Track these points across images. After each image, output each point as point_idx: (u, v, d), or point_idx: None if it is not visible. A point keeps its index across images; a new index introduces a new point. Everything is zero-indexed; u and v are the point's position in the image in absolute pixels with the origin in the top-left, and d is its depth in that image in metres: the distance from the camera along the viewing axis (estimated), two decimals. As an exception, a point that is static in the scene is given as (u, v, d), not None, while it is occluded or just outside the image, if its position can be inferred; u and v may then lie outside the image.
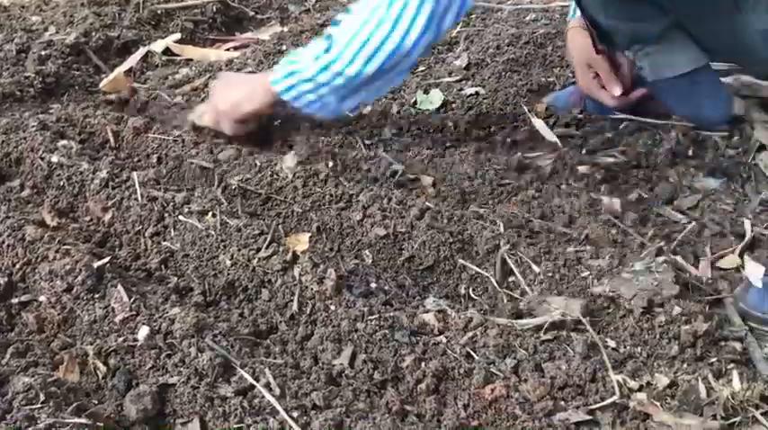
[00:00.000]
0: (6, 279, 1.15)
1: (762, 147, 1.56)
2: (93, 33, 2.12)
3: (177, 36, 2.26)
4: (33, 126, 1.54)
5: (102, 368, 1.01)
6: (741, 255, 1.23)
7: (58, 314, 1.09)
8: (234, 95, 1.46)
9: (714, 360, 1.00)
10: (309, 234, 1.20)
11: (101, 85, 1.95)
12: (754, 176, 1.47)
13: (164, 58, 2.16)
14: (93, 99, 1.88)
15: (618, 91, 1.52)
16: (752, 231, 1.30)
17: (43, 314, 1.10)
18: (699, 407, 0.92)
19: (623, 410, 0.93)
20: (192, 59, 2.15)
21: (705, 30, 1.41)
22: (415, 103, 1.61)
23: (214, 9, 2.39)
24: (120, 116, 1.63)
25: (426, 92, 1.63)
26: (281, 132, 1.54)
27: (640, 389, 0.95)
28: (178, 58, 2.17)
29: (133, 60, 2.11)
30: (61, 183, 1.39)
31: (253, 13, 2.52)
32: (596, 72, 1.52)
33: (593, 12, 1.45)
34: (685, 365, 0.99)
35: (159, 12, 2.33)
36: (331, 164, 1.45)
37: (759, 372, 0.98)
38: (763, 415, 0.91)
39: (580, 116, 1.55)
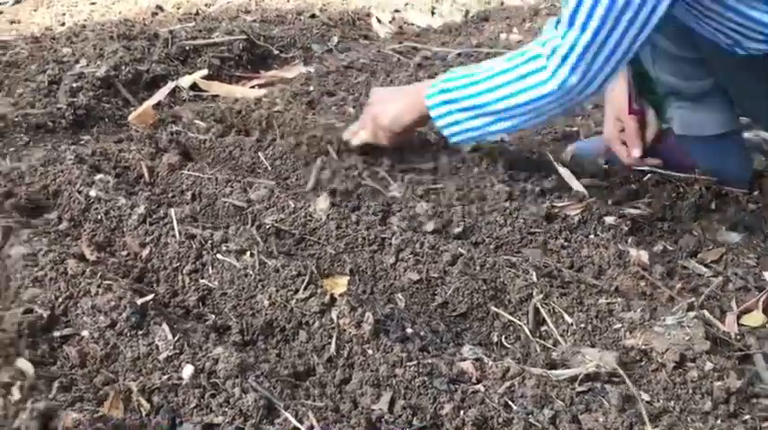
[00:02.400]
0: (49, 312, 1.17)
1: (782, 203, 1.60)
2: (123, 67, 2.16)
3: (204, 72, 2.32)
4: (70, 159, 1.57)
5: (146, 405, 1.03)
6: (765, 312, 1.25)
7: (101, 349, 1.11)
8: (392, 109, 1.52)
9: (747, 417, 1.02)
10: (348, 277, 1.23)
11: (129, 117, 1.99)
12: (776, 231, 1.51)
13: (191, 93, 2.21)
14: (123, 132, 1.92)
15: (637, 153, 1.58)
16: (774, 286, 1.33)
17: (86, 349, 1.12)
18: (735, 465, 0.94)
19: (659, 464, 0.95)
20: (218, 95, 2.20)
21: (746, 95, 1.45)
22: (446, 146, 1.65)
23: (240, 47, 2.45)
24: (153, 151, 1.67)
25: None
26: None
27: (675, 443, 0.97)
28: (205, 94, 2.22)
29: (161, 95, 2.15)
30: (99, 217, 1.42)
31: (277, 52, 2.58)
32: (623, 128, 1.57)
33: (644, 59, 1.52)
34: (719, 421, 1.01)
35: (187, 48, 2.39)
36: (360, 206, 1.49)
37: (793, 432, 1.00)
38: (798, 474, 0.93)
39: (605, 166, 1.59)
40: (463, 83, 1.41)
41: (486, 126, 1.42)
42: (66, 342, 1.15)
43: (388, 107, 1.54)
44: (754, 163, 1.61)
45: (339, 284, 1.21)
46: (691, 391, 1.05)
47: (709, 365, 1.07)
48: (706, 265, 1.40)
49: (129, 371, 1.08)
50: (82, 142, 1.85)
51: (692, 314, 1.15)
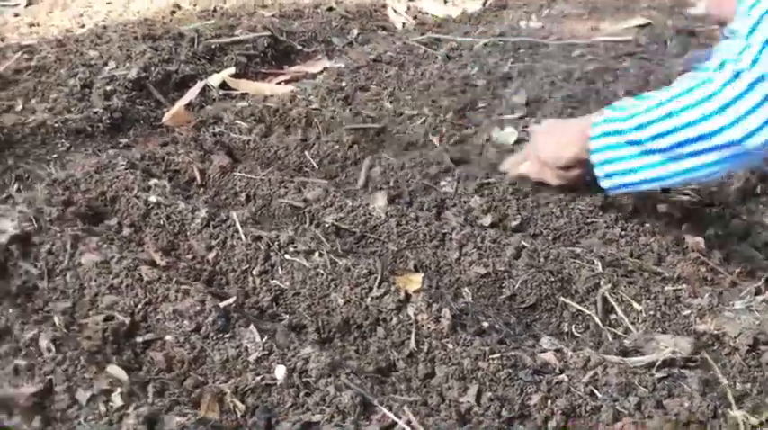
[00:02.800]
0: (129, 318, 1.20)
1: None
2: (153, 68, 2.18)
3: (232, 70, 2.33)
4: (122, 165, 1.58)
5: (241, 406, 1.06)
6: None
7: (188, 353, 1.13)
8: (554, 142, 1.37)
9: (825, 397, 1.06)
10: (422, 275, 1.25)
11: (164, 119, 2.01)
12: (820, 214, 1.55)
13: (221, 92, 2.22)
14: (159, 134, 1.94)
15: None
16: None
17: (171, 353, 1.15)
18: (820, 443, 0.98)
19: (748, 445, 0.99)
20: (247, 93, 2.21)
21: None
22: (489, 139, 1.67)
23: (265, 43, 2.47)
24: (201, 154, 1.69)
25: (501, 128, 1.70)
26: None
27: (761, 425, 1.01)
28: (234, 92, 2.23)
29: (192, 94, 2.17)
30: (161, 223, 1.44)
31: (300, 47, 2.60)
32: None
33: None
34: (798, 402, 1.05)
35: (213, 46, 2.40)
36: (412, 202, 1.52)
37: None
38: None
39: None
40: (632, 112, 1.21)
41: (649, 168, 1.22)
42: (149, 347, 1.17)
43: (551, 140, 1.38)
44: None
45: (413, 281, 1.23)
46: (766, 373, 1.09)
47: (781, 348, 1.10)
48: (756, 249, 1.43)
49: (219, 373, 1.11)
50: (121, 145, 1.87)
51: (760, 298, 1.18)
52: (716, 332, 1.15)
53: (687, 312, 1.19)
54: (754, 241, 1.45)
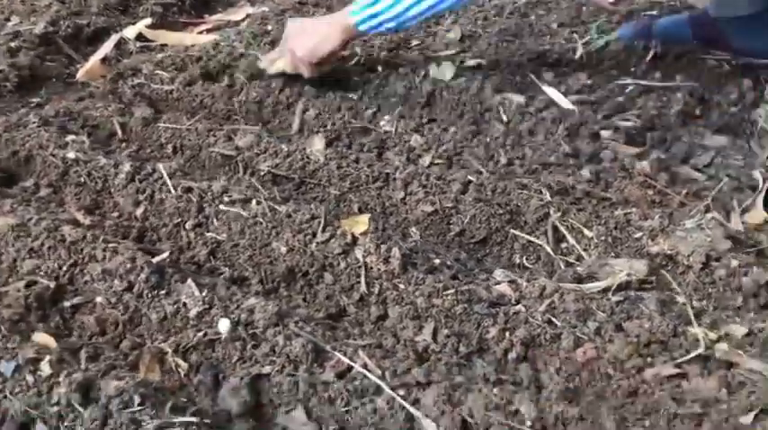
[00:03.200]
0: (54, 282, 1.10)
1: (755, 104, 1.65)
2: (61, 22, 2.02)
3: (148, 21, 2.18)
4: (35, 122, 1.47)
5: (184, 364, 0.99)
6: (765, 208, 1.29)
7: (122, 314, 1.05)
8: (311, 39, 1.56)
9: (780, 307, 1.06)
10: (368, 216, 1.19)
11: (78, 75, 1.87)
12: (757, 132, 1.55)
13: (138, 44, 2.08)
14: (75, 90, 1.80)
15: None
16: (765, 183, 1.37)
17: (103, 315, 1.06)
18: (779, 352, 0.98)
19: (709, 360, 0.97)
20: (167, 44, 2.08)
21: None
22: (426, 75, 1.61)
23: (182, -9, 2.32)
24: (121, 107, 1.57)
25: (437, 64, 1.64)
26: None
27: (719, 339, 1.00)
28: (153, 44, 2.09)
29: (107, 48, 2.02)
30: (81, 180, 1.33)
31: (220, -6, 2.46)
32: None
33: None
34: (753, 314, 1.05)
35: (126, -4, 2.25)
36: (352, 144, 1.45)
37: (819, 315, 1.05)
38: (838, 353, 0.98)
39: (589, 82, 1.59)
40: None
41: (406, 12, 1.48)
42: (78, 311, 1.08)
43: (306, 39, 1.58)
44: None
45: (360, 223, 1.18)
46: (721, 289, 1.08)
47: (734, 263, 1.10)
48: (698, 170, 1.42)
49: (157, 332, 1.03)
50: (32, 104, 1.73)
51: (709, 216, 1.17)
52: (669, 252, 1.13)
53: (639, 235, 1.17)
54: (696, 163, 1.44)
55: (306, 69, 1.60)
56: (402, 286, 1.10)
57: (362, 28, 1.52)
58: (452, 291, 1.06)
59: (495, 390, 0.91)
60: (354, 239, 1.15)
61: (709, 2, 1.74)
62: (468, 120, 1.49)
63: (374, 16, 1.51)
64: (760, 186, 1.37)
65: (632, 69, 1.73)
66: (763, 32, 1.69)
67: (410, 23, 1.54)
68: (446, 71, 1.61)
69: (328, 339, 1.01)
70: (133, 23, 2.16)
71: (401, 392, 0.92)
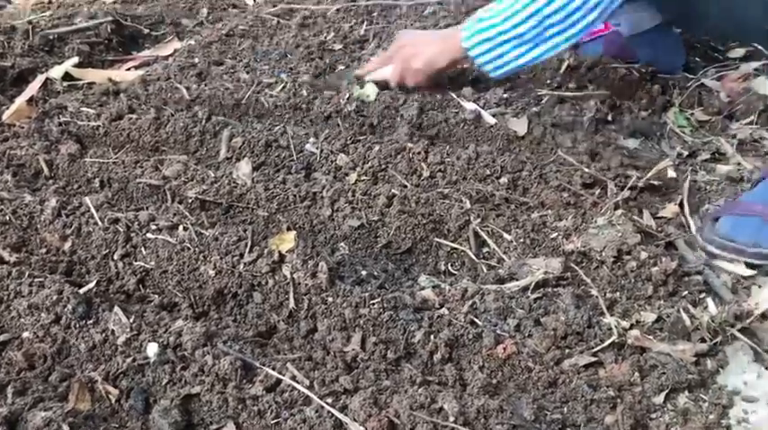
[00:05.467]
0: (-20, 321, 1.10)
1: (664, 108, 1.73)
2: (-16, 65, 2.01)
3: (75, 60, 2.19)
4: (-43, 163, 1.45)
5: (114, 391, 0.99)
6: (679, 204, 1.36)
7: (50, 347, 1.05)
8: (429, 51, 1.59)
9: (686, 292, 1.11)
10: (294, 233, 1.22)
11: (4, 117, 1.86)
12: (666, 133, 1.63)
13: (65, 84, 2.08)
14: (3, 131, 1.79)
15: None
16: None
17: (31, 350, 1.06)
18: (686, 334, 1.03)
19: (622, 348, 1.02)
20: (94, 83, 2.09)
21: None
22: (349, 97, 1.65)
23: (108, 29, 2.33)
24: (47, 144, 1.57)
25: (361, 86, 1.68)
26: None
27: (632, 327, 1.05)
28: (80, 83, 2.10)
29: (33, 89, 2.01)
30: (6, 219, 1.32)
31: (147, 31, 2.48)
32: None
33: None
34: (662, 301, 1.10)
35: (51, 37, 2.25)
36: (281, 166, 1.48)
37: (722, 298, 1.11)
38: (739, 331, 1.03)
39: (506, 96, 1.65)
40: (499, 19, 1.47)
41: (528, 52, 1.47)
42: (5, 348, 1.08)
43: (424, 50, 1.59)
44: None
45: (286, 241, 1.20)
46: (633, 280, 1.14)
47: (643, 255, 1.15)
48: (608, 169, 1.49)
49: (87, 361, 1.03)
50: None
51: (619, 212, 1.23)
52: (583, 249, 1.18)
53: (554, 235, 1.22)
54: (608, 163, 1.50)
55: (416, 80, 1.62)
56: (330, 299, 1.12)
57: (478, 62, 1.52)
58: (378, 299, 1.09)
59: (420, 391, 0.94)
60: (282, 257, 1.18)
61: (621, 22, 1.86)
62: (392, 137, 1.53)
63: (488, 51, 1.49)
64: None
65: (548, 81, 1.81)
66: (665, 45, 1.84)
67: (529, 63, 1.50)
68: (369, 91, 1.65)
69: (258, 356, 1.02)
70: (59, 63, 2.16)
71: (329, 400, 0.94)
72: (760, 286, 1.14)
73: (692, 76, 1.85)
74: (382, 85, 1.68)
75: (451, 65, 1.62)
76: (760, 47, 1.78)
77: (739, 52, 1.99)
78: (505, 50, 1.48)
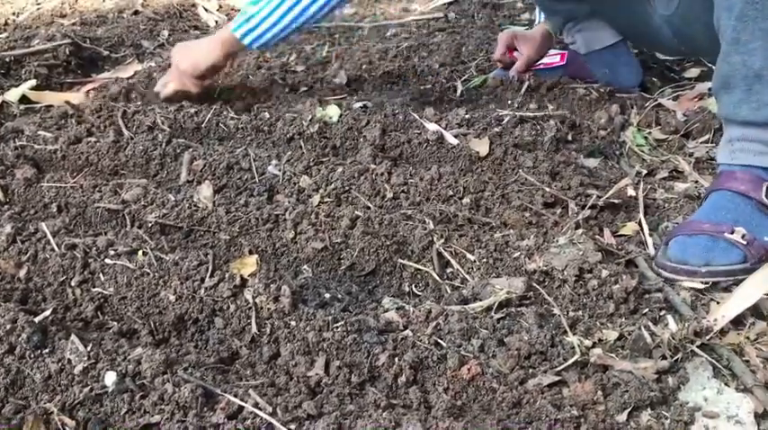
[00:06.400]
0: (-71, 353, 1.06)
1: (623, 127, 1.76)
2: (-63, 88, 1.97)
3: (32, 82, 2.17)
4: None
5: (71, 423, 0.96)
6: (638, 222, 1.38)
7: (3, 378, 1.02)
8: (192, 55, 1.74)
9: (647, 310, 1.12)
10: (256, 257, 1.21)
11: (-41, 141, 1.82)
12: (626, 152, 1.66)
13: (21, 107, 2.05)
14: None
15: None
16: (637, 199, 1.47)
17: (-17, 383, 1.03)
18: (648, 351, 1.04)
19: (585, 366, 1.03)
20: (52, 105, 2.06)
21: (619, 17, 1.78)
22: (312, 118, 1.65)
23: (67, 52, 2.31)
24: (3, 170, 1.54)
25: (323, 107, 1.68)
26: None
27: (594, 345, 1.06)
28: (37, 106, 2.07)
29: (-11, 112, 1.99)
30: (-41, 246, 1.29)
31: (107, 53, 2.46)
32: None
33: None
34: (624, 319, 1.11)
35: (8, 59, 2.22)
36: (243, 189, 1.47)
37: (682, 315, 1.12)
38: (699, 347, 1.05)
39: (467, 116, 1.67)
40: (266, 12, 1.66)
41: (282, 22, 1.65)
42: (-44, 382, 1.04)
43: (188, 54, 1.75)
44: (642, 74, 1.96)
45: (248, 264, 1.18)
46: (594, 298, 1.15)
47: (604, 273, 1.16)
48: (569, 188, 1.50)
49: (42, 392, 1.00)
50: None
51: (579, 231, 1.24)
52: (545, 268, 1.19)
53: (516, 254, 1.23)
54: (568, 184, 1.51)
55: (192, 84, 1.75)
56: (293, 323, 1.11)
57: (246, 41, 1.68)
58: (342, 322, 1.08)
59: (384, 414, 0.93)
60: (243, 281, 1.16)
61: (577, 40, 1.93)
62: (355, 158, 1.53)
63: (253, 29, 1.65)
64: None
65: (509, 102, 1.83)
66: (620, 63, 1.90)
67: (289, 30, 1.66)
68: (332, 113, 1.65)
69: (219, 382, 1.00)
70: (16, 86, 2.13)
71: (293, 427, 0.92)
72: (718, 302, 1.15)
73: (649, 96, 1.89)
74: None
75: (220, 63, 1.75)
76: (714, 66, 1.83)
77: (694, 72, 2.04)
78: (267, 27, 1.66)
